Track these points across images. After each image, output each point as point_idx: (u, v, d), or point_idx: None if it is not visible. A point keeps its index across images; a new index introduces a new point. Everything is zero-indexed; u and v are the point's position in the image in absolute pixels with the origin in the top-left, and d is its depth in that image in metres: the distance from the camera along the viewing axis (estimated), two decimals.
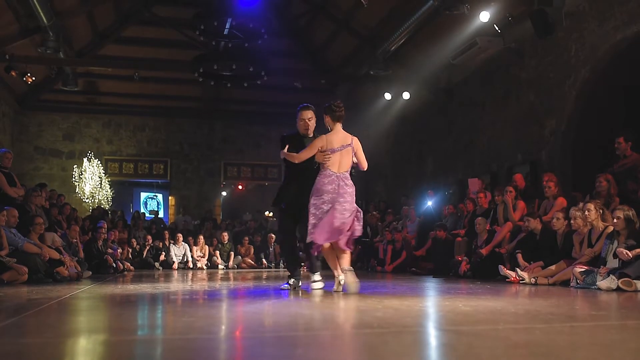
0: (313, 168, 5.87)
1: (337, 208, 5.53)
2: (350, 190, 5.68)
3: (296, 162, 5.84)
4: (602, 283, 5.82)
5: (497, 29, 10.56)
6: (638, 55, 8.99)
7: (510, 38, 10.72)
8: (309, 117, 6.19)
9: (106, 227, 12.08)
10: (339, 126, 5.80)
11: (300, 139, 6.17)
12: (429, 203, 12.91)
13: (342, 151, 5.69)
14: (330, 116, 5.80)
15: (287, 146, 6.01)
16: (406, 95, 14.29)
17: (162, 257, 14.27)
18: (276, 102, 18.09)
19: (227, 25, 12.39)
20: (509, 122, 11.76)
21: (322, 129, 6.02)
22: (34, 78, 14.37)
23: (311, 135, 6.18)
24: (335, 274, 5.67)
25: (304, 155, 5.79)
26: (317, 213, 5.57)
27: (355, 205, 5.74)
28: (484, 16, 10.26)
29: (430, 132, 14.94)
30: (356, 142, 5.83)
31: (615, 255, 6.06)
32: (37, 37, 12.96)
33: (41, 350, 2.68)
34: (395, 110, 15.12)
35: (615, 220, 6.23)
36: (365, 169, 5.96)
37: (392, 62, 13.66)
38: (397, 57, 13.59)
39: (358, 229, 5.71)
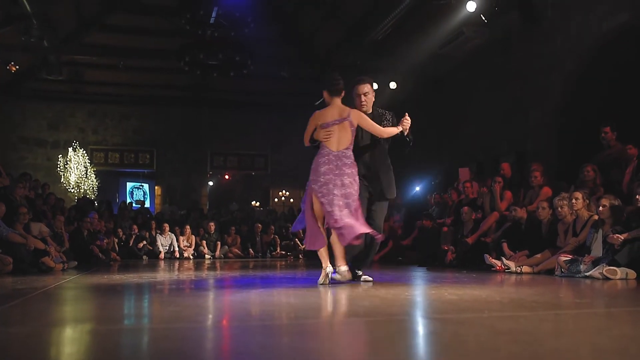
0: (376, 147, 5.51)
1: (335, 193, 5.02)
2: (349, 170, 5.17)
3: (306, 144, 5.36)
4: (594, 272, 5.83)
5: (483, 19, 10.58)
6: (623, 46, 9.05)
7: (497, 28, 10.77)
8: (365, 92, 5.63)
9: (97, 217, 12.04)
10: (337, 101, 5.37)
11: None
12: (417, 188, 12.95)
13: (338, 126, 5.24)
14: (327, 91, 5.37)
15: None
16: (393, 85, 14.28)
17: (140, 245, 14.03)
18: (263, 90, 18.01)
19: (214, 14, 12.31)
20: (495, 112, 11.80)
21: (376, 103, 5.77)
22: (17, 67, 14.21)
23: (370, 111, 5.63)
24: (324, 265, 5.16)
25: (305, 136, 5.33)
26: (326, 199, 5.04)
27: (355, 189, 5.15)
28: (471, 6, 10.27)
29: (417, 121, 14.89)
30: (355, 114, 5.35)
31: (605, 243, 6.08)
32: (20, 24, 12.79)
33: (26, 339, 2.66)
34: (381, 100, 15.02)
35: (600, 209, 6.28)
36: (384, 136, 5.56)
37: (379, 52, 13.63)
38: (383, 47, 13.56)
39: (362, 223, 5.06)
